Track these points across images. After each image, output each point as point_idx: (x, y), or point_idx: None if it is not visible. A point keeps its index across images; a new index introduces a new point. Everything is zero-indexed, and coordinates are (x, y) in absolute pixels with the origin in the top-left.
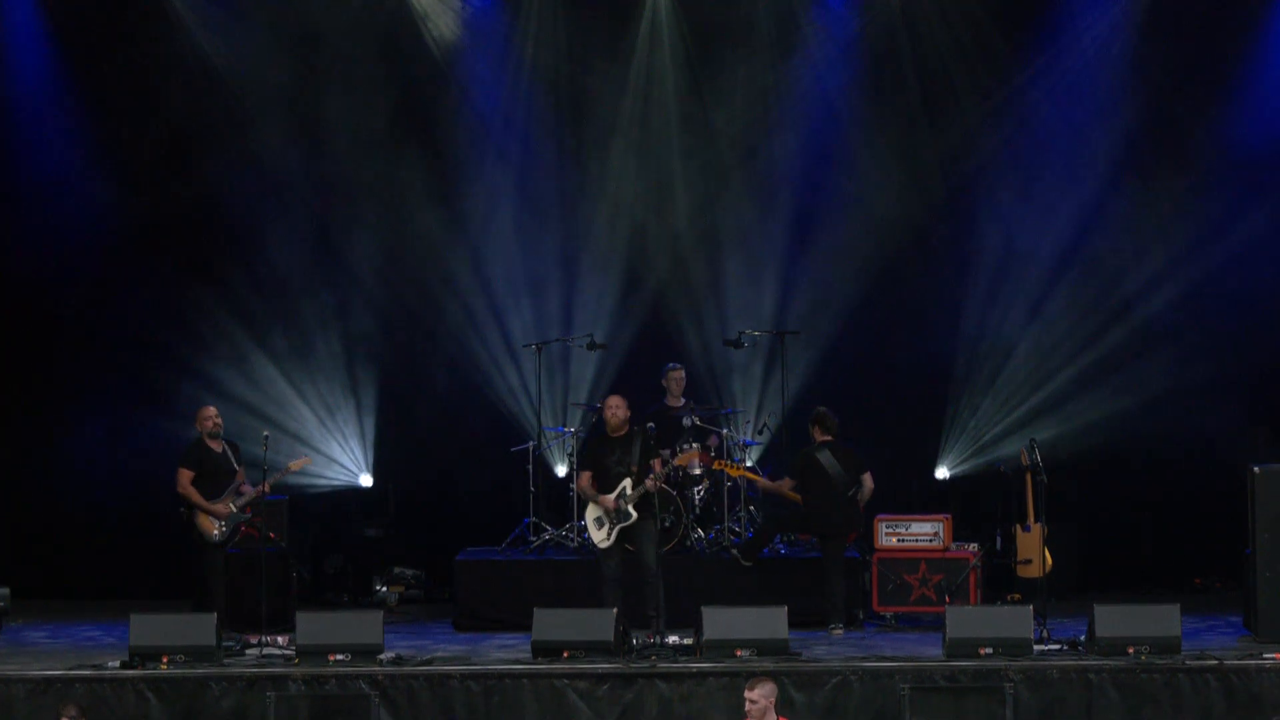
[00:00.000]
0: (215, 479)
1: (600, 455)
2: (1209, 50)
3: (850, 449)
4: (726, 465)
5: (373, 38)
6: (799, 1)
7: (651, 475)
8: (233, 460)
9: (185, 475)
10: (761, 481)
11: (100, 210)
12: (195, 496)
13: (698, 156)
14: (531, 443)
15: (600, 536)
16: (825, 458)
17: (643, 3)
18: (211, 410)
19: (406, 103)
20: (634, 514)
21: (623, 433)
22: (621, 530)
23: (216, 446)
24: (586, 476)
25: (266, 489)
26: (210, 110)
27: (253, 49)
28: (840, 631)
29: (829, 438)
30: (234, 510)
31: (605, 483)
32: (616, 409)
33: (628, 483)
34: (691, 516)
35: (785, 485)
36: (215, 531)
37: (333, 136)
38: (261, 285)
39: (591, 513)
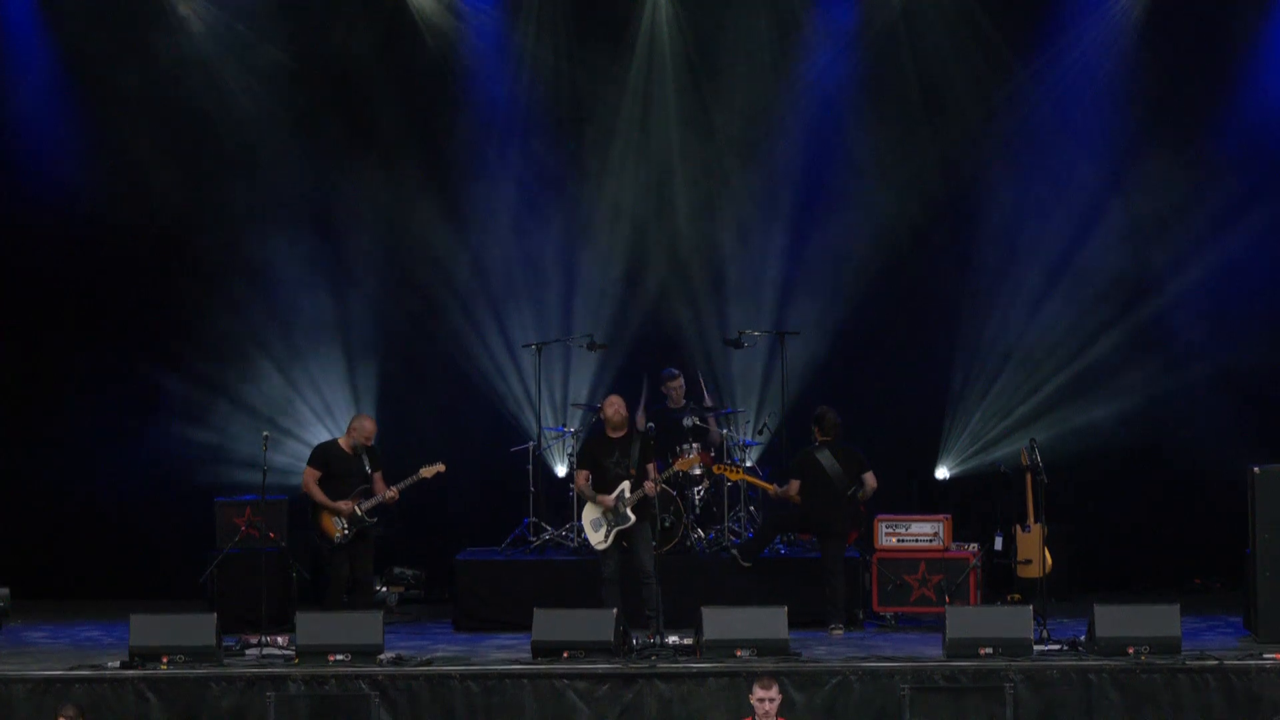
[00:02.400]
0: (343, 480)
1: (599, 456)
2: (1209, 50)
3: (851, 449)
4: (726, 469)
5: (373, 38)
6: (799, 2)
7: (650, 480)
8: (365, 463)
9: (310, 474)
10: (773, 489)
11: (100, 211)
12: (318, 495)
13: (698, 156)
14: (531, 443)
15: (598, 539)
16: (824, 457)
17: (642, 3)
18: (370, 425)
19: (406, 103)
20: (632, 517)
21: (622, 433)
22: (619, 532)
23: (349, 448)
24: (584, 475)
25: (395, 495)
26: (210, 110)
27: (252, 49)
28: (840, 631)
29: (829, 437)
30: (359, 512)
31: (603, 484)
32: (616, 407)
33: (626, 485)
34: (691, 517)
35: (793, 489)
36: (338, 533)
37: (333, 136)
38: (262, 285)
39: (589, 514)
